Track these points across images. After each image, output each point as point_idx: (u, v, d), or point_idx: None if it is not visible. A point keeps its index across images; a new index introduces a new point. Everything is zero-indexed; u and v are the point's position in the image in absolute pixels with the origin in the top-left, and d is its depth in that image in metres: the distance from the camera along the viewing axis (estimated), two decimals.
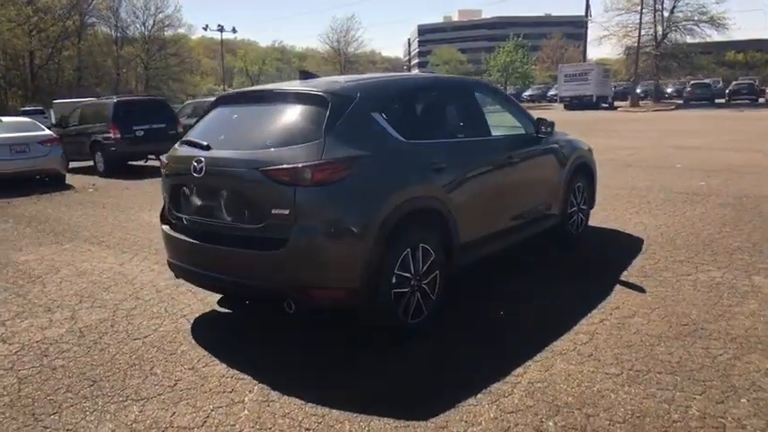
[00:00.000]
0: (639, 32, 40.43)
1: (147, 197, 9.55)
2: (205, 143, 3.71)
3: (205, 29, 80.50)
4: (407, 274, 3.54)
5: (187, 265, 3.84)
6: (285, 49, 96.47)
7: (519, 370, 3.19)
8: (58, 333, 3.96)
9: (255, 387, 3.13)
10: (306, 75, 4.28)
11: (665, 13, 41.08)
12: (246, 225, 3.43)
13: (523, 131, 4.93)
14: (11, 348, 3.75)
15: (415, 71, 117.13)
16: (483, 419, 2.75)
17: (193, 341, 3.76)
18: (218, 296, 4.40)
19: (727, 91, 40.46)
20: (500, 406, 2.85)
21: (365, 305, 3.43)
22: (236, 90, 4.53)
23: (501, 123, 5.00)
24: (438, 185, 3.77)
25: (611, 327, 3.72)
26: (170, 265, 4.06)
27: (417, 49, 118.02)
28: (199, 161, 3.58)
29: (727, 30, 40.84)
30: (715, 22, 40.30)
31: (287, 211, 3.22)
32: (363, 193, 3.36)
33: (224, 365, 3.39)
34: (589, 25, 46.71)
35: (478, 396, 2.95)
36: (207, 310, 4.28)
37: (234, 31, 58.25)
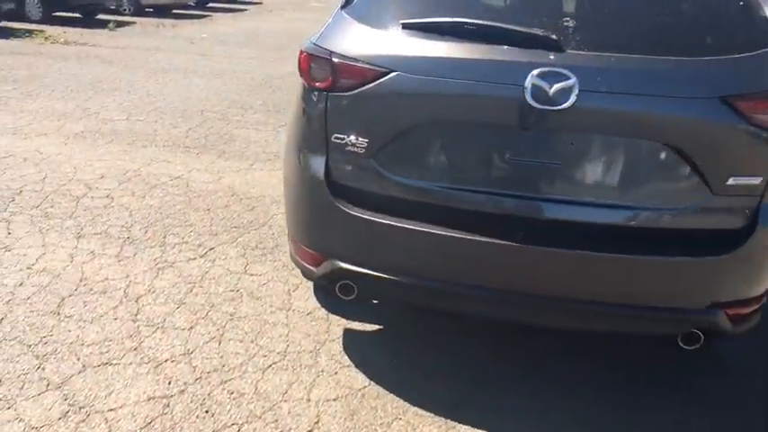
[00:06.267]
0: None
1: None
2: (553, 36, 1.81)
3: None
4: None
5: (466, 290, 2.00)
6: None
7: None
8: None
9: None
10: None
11: None
12: (667, 209, 1.88)
13: None
14: None
15: None
16: None
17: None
18: None
19: None
20: None
21: None
22: None
23: None
24: None
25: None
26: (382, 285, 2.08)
27: None
28: (560, 76, 1.74)
29: None
30: None
31: (757, 180, 1.84)
32: None
33: None
34: None
35: None
36: None
37: None
